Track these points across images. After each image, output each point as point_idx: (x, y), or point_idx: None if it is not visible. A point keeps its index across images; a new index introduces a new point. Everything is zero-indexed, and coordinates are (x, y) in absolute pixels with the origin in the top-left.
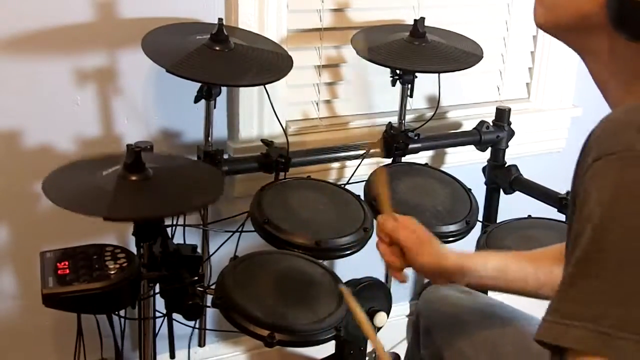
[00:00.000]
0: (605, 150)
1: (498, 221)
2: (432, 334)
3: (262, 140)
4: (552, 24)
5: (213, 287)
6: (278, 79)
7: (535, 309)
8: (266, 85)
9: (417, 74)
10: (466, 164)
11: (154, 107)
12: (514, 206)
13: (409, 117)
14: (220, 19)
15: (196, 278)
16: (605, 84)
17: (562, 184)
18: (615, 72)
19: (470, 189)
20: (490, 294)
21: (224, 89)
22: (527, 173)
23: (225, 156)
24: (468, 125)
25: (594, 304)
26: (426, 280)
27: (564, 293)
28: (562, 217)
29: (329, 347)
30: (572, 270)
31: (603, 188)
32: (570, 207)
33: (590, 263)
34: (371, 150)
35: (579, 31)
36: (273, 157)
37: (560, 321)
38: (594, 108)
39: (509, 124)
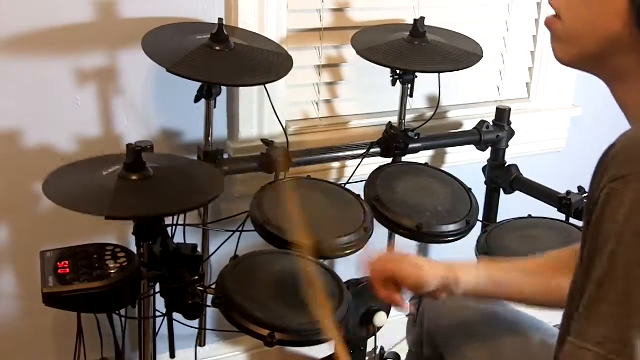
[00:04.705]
0: (624, 171)
1: (498, 221)
2: (435, 335)
3: (262, 140)
4: (577, 56)
5: (213, 286)
6: (278, 79)
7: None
8: (266, 85)
9: (417, 73)
10: (466, 164)
11: (154, 107)
12: (514, 206)
13: (409, 117)
14: (220, 19)
15: (196, 278)
16: (631, 105)
17: (562, 184)
18: None
19: (470, 189)
20: None
21: (224, 89)
22: (527, 173)
23: (225, 156)
24: (468, 125)
25: (606, 329)
26: None
27: (585, 313)
28: (562, 217)
29: (329, 347)
30: (592, 293)
31: (620, 211)
32: (586, 215)
33: (605, 287)
34: (371, 150)
35: (605, 56)
36: (273, 157)
37: (579, 344)
38: (594, 108)
39: (509, 123)
